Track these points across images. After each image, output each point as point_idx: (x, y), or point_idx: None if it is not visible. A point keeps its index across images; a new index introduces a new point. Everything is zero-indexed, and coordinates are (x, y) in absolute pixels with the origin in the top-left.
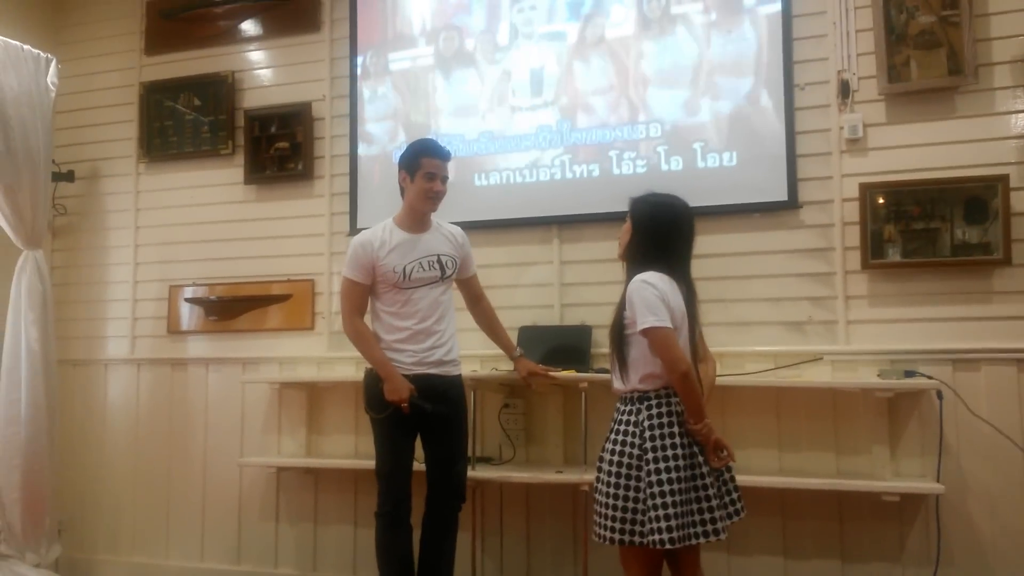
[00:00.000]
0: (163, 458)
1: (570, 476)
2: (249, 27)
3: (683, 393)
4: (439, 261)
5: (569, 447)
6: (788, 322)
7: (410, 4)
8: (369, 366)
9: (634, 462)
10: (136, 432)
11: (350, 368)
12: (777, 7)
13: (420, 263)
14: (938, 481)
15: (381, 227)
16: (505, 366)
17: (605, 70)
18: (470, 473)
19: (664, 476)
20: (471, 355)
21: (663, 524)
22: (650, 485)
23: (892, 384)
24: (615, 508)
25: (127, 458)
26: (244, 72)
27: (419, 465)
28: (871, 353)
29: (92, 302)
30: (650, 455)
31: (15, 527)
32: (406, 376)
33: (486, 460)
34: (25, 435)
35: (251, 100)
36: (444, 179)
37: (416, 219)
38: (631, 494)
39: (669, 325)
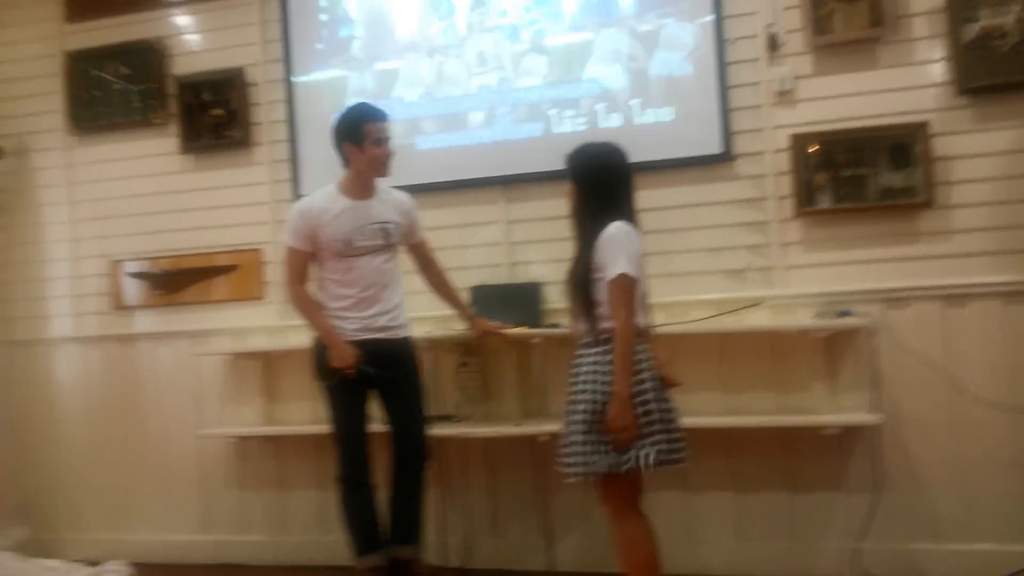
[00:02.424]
0: (119, 434)
1: (528, 428)
2: None
3: (622, 348)
4: (383, 228)
5: (526, 401)
6: (728, 270)
7: None
8: (314, 335)
9: (600, 397)
10: (89, 410)
11: (303, 336)
12: None
13: (363, 230)
14: (874, 413)
15: (323, 194)
16: (459, 326)
17: (542, 31)
18: (431, 432)
19: (642, 409)
20: (425, 316)
21: (643, 451)
22: (650, 412)
23: (828, 324)
24: (595, 443)
25: (83, 437)
26: (173, 37)
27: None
28: (807, 296)
29: (31, 281)
30: (646, 383)
31: None
32: (351, 342)
33: (446, 418)
34: None
35: (182, 66)
36: (389, 140)
37: (363, 186)
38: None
39: (637, 276)
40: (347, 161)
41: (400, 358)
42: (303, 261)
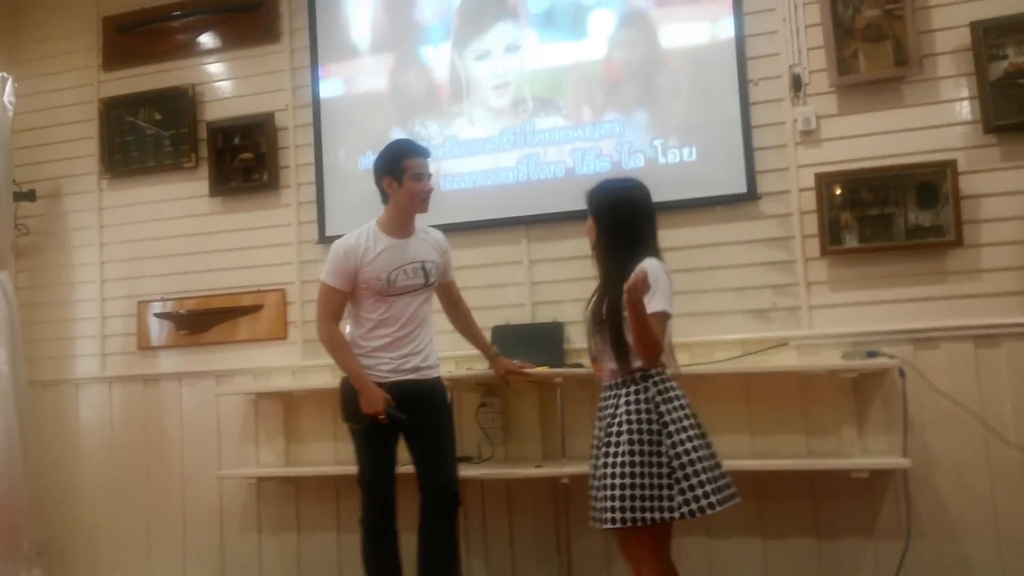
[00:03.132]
0: (140, 475)
1: (550, 470)
2: (208, 39)
3: (650, 331)
4: (423, 268)
5: (547, 442)
6: (753, 310)
7: (368, 12)
8: (344, 376)
9: (653, 438)
10: (111, 450)
11: (325, 376)
12: (728, 5)
13: (405, 270)
14: (904, 456)
15: (365, 232)
16: (480, 365)
17: (565, 72)
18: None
19: (690, 444)
20: (446, 356)
21: (700, 491)
22: (677, 456)
23: (856, 365)
24: (633, 488)
25: (104, 477)
26: (204, 85)
27: (410, 468)
28: (834, 336)
29: (59, 321)
30: (672, 427)
31: None
32: (382, 384)
33: (466, 459)
34: None
35: (213, 112)
36: (430, 176)
37: (403, 223)
38: (652, 470)
39: (672, 315)
40: (386, 197)
41: (431, 398)
42: (341, 300)
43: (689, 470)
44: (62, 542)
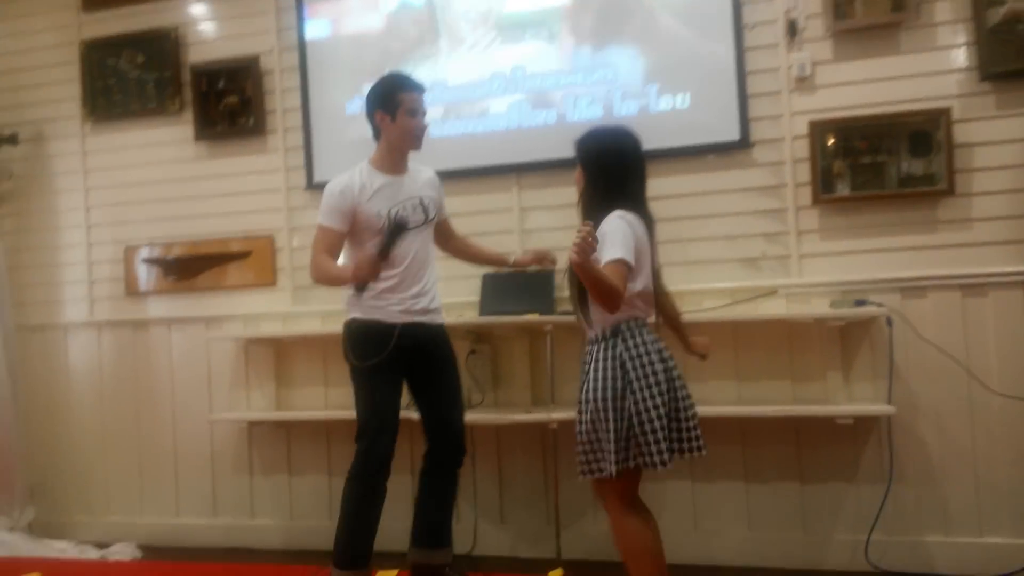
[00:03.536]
0: (131, 418)
1: (539, 415)
2: None
3: (608, 282)
4: (422, 204)
5: (536, 389)
6: (743, 259)
7: None
8: (349, 318)
9: (616, 394)
10: (102, 394)
11: (315, 322)
12: None
13: (404, 206)
14: (889, 403)
15: (359, 171)
16: (470, 313)
17: (556, 16)
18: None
19: (651, 403)
20: None
21: (655, 447)
22: (637, 414)
23: (844, 313)
24: (592, 443)
25: (95, 420)
26: (188, 26)
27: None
28: (823, 285)
29: (46, 266)
30: (635, 384)
31: None
32: (393, 325)
33: None
34: None
35: (197, 55)
36: (424, 114)
37: (396, 161)
38: (611, 425)
39: (632, 263)
40: (377, 132)
41: (440, 345)
42: (337, 240)
43: (647, 427)
44: (54, 484)
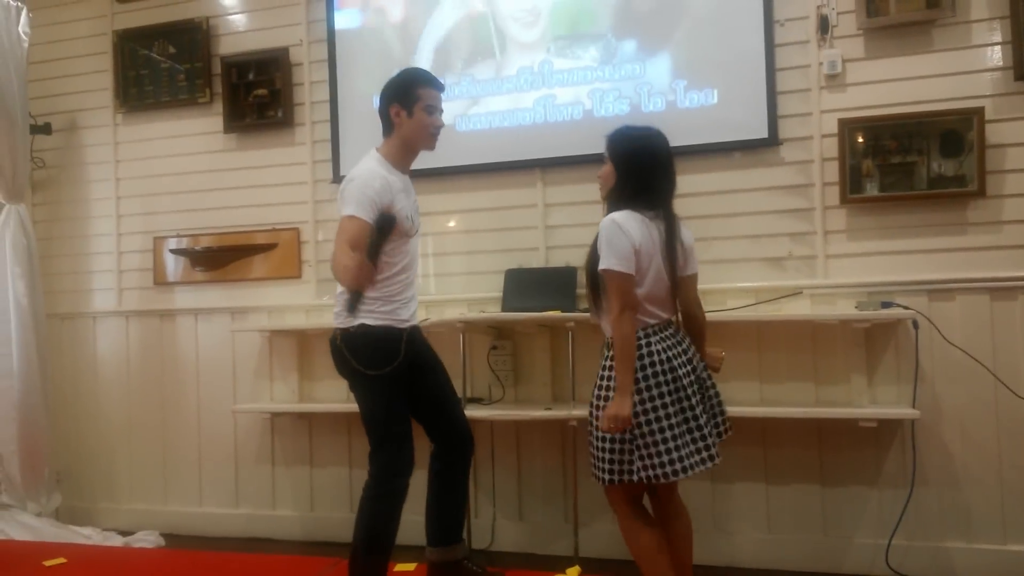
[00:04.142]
0: (156, 407)
1: (558, 412)
2: None
3: (615, 349)
4: (417, 207)
5: (557, 385)
6: (768, 258)
7: None
8: (356, 324)
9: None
10: (128, 383)
11: None
12: None
13: (416, 209)
14: (913, 407)
15: (381, 166)
16: (492, 308)
17: (586, 11)
18: None
19: (653, 415)
20: (458, 299)
21: (661, 459)
22: (639, 425)
23: (869, 315)
24: (605, 450)
25: (121, 408)
26: (219, 18)
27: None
28: (849, 286)
29: (76, 255)
30: (642, 395)
31: (15, 478)
32: (401, 329)
33: (476, 400)
34: (19, 389)
35: (227, 46)
36: (442, 112)
37: (408, 159)
38: (617, 435)
39: (628, 272)
40: (391, 127)
41: (426, 344)
42: (366, 236)
43: (649, 439)
44: (80, 471)
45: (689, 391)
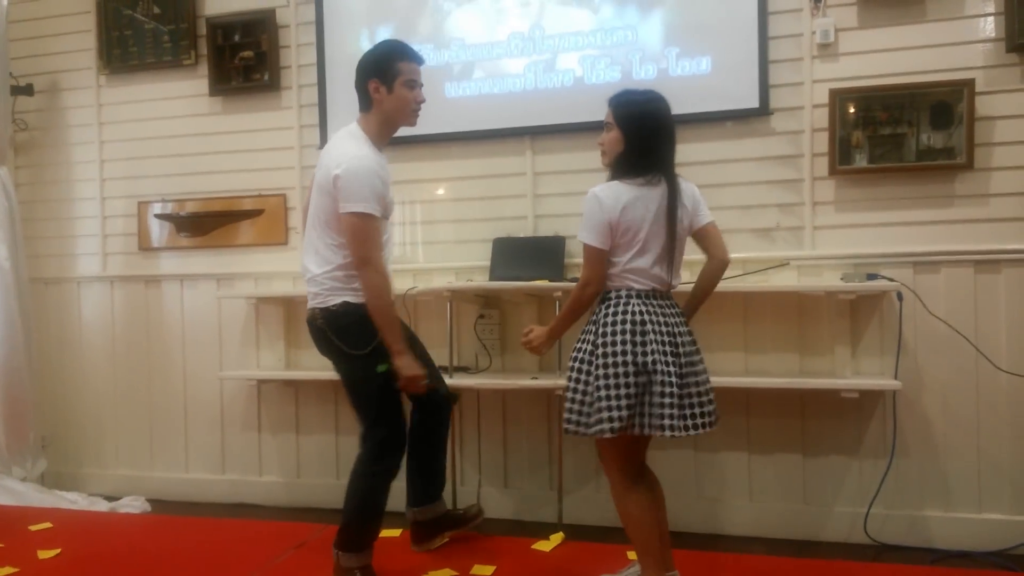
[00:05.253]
0: (143, 373)
1: (544, 381)
2: None
3: (564, 306)
4: None
5: (543, 355)
6: (756, 229)
7: None
8: (338, 302)
9: (587, 356)
10: (114, 348)
11: None
12: None
13: (391, 189)
14: (895, 378)
15: (369, 148)
16: (480, 277)
17: None
18: (448, 382)
19: (611, 371)
20: (446, 268)
21: (607, 415)
22: (597, 378)
23: (854, 287)
24: (572, 400)
25: (107, 374)
26: None
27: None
28: (836, 257)
29: (60, 219)
30: (600, 350)
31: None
32: None
33: (463, 369)
34: (2, 353)
35: (212, 7)
36: (422, 86)
37: (388, 136)
38: (581, 387)
39: (600, 246)
40: (369, 103)
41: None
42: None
43: (603, 393)
44: (66, 436)
45: (664, 358)
